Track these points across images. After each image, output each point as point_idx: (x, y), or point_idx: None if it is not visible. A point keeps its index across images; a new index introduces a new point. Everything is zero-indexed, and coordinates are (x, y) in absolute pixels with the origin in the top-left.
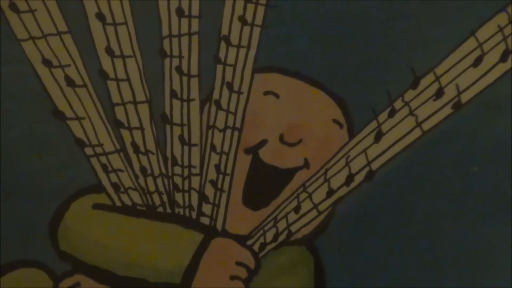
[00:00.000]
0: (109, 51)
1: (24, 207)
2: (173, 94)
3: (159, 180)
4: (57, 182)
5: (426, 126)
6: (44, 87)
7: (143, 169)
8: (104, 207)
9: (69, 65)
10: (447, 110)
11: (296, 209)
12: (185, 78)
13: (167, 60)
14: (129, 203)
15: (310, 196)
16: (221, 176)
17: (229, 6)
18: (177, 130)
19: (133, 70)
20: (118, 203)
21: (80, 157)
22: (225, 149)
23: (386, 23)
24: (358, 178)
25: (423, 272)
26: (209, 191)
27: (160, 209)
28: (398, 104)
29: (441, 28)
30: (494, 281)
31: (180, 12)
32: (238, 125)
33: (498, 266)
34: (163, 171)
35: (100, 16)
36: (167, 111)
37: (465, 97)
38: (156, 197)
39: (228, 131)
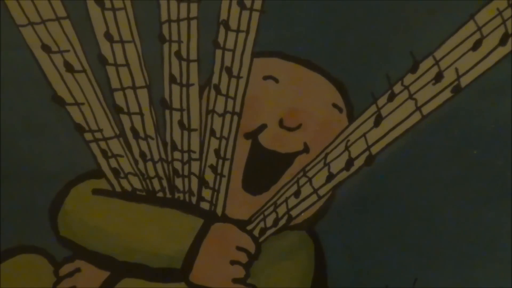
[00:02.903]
0: (108, 36)
1: (24, 192)
2: (172, 79)
3: (158, 165)
4: (57, 168)
5: (426, 110)
6: (43, 72)
7: (142, 154)
8: (104, 193)
9: (68, 51)
10: (447, 94)
11: (296, 194)
12: (184, 63)
13: (166, 45)
14: (129, 188)
15: (310, 180)
16: (220, 161)
17: None
18: (176, 115)
19: (132, 55)
20: (118, 189)
21: (79, 143)
22: (225, 134)
23: (385, 7)
24: (358, 163)
25: (423, 257)
26: (209, 176)
27: (160, 194)
28: (397, 88)
29: (440, 11)
30: (495, 266)
31: None
32: (237, 109)
33: (499, 250)
34: (163, 156)
35: (99, 1)
36: (167, 96)
37: (464, 81)
38: (156, 182)
39: (228, 116)
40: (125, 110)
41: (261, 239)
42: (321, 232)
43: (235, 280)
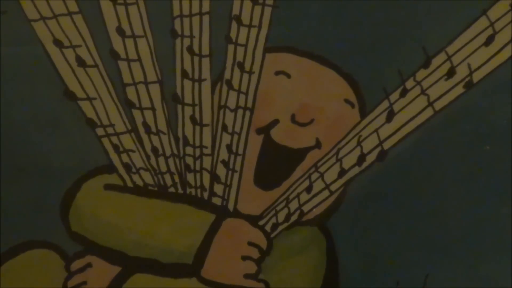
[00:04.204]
0: (120, 31)
1: (36, 188)
2: (184, 74)
3: (170, 161)
4: (68, 163)
5: (438, 105)
6: (55, 67)
7: (154, 150)
8: (116, 188)
9: (80, 46)
10: (459, 89)
11: (308, 189)
12: (196, 58)
13: (178, 40)
14: (140, 183)
15: (322, 176)
16: (232, 156)
17: None
18: (188, 110)
19: (144, 50)
20: (129, 184)
21: (91, 138)
22: (237, 129)
23: (398, 2)
24: (370, 158)
25: (434, 253)
26: (221, 171)
27: (172, 189)
28: (409, 83)
29: (452, 7)
30: (508, 262)
31: None
32: (249, 105)
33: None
34: (175, 151)
35: None
36: (179, 91)
37: (476, 77)
38: (167, 177)
39: (240, 111)
40: (137, 105)
41: (272, 235)
42: (333, 227)
43: (247, 276)
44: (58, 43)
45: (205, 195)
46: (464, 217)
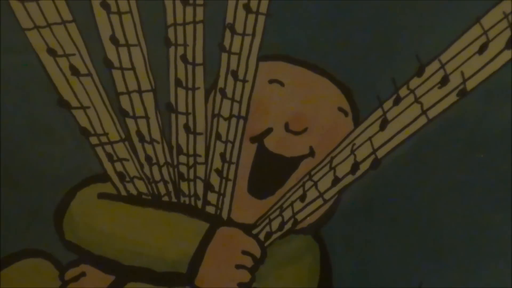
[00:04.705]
0: (113, 40)
1: (30, 196)
2: (178, 82)
3: (164, 169)
4: (63, 172)
5: (432, 113)
6: (49, 76)
7: (148, 158)
8: (110, 197)
9: (74, 54)
10: (453, 97)
11: (302, 198)
12: (190, 67)
13: (172, 49)
14: (134, 192)
15: (315, 184)
16: (226, 165)
17: None
18: (182, 119)
19: (138, 59)
20: (123, 193)
21: (85, 147)
22: (230, 137)
23: (391, 10)
24: (364, 166)
25: (428, 261)
26: (215, 180)
27: (166, 198)
28: (403, 91)
29: (446, 15)
30: (501, 269)
31: (184, 0)
32: (243, 113)
33: (505, 254)
34: (169, 160)
35: (104, 5)
36: (172, 100)
37: (470, 85)
38: (161, 186)
39: (233, 120)
40: (131, 114)
41: (266, 243)
42: (327, 236)
43: (241, 285)
44: (51, 51)
45: (199, 203)
46: (458, 225)
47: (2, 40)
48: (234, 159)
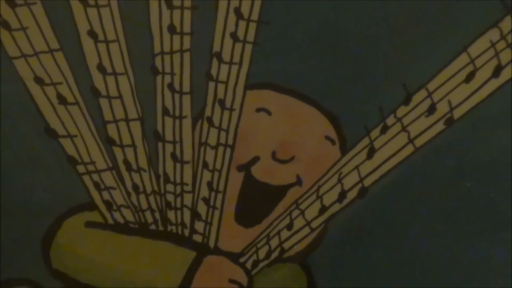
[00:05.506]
0: (101, 68)
1: (16, 225)
2: (165, 111)
3: (151, 198)
4: (49, 200)
5: (419, 142)
6: (36, 104)
7: (135, 187)
8: (97, 225)
9: (61, 83)
10: (440, 126)
11: (289, 226)
12: (177, 95)
13: (159, 77)
14: (121, 220)
15: (302, 213)
16: (213, 193)
17: (221, 22)
18: (169, 148)
19: (125, 87)
20: (110, 221)
21: (72, 175)
22: (218, 166)
23: (378, 39)
24: (351, 195)
25: None
26: (202, 208)
27: (153, 226)
28: (390, 120)
29: (433, 43)
30: None
31: (171, 29)
32: (230, 142)
33: (492, 282)
34: (156, 188)
35: (92, 33)
36: (159, 128)
37: (457, 113)
38: (148, 214)
39: (221, 148)
40: (118, 142)
41: (253, 272)
42: (314, 264)
43: None
44: (39, 80)
45: (186, 232)
46: (446, 253)
47: None
48: (221, 188)
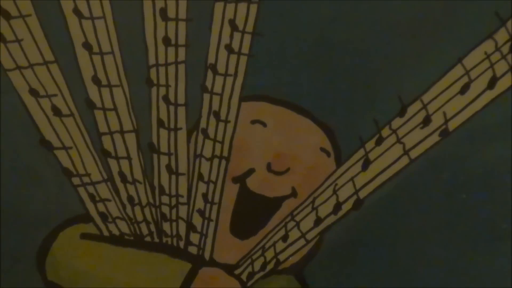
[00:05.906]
0: (96, 80)
1: (12, 237)
2: (160, 123)
3: (146, 210)
4: (45, 212)
5: (414, 154)
6: (31, 116)
7: (130, 199)
8: (92, 237)
9: (56, 95)
10: (435, 137)
11: (284, 238)
12: (172, 107)
13: (154, 89)
14: (116, 232)
15: (297, 224)
16: (208, 205)
17: (216, 34)
18: (164, 159)
19: (120, 99)
20: (105, 233)
21: (67, 187)
22: (213, 178)
23: (373, 51)
24: (346, 207)
25: None
26: (197, 220)
27: (148, 238)
28: (385, 132)
29: (428, 55)
30: None
31: (166, 41)
32: (225, 154)
33: None
34: (151, 200)
35: (86, 45)
36: (154, 140)
37: (452, 125)
38: (143, 226)
39: (216, 160)
40: (113, 154)
41: (249, 284)
42: (309, 276)
43: None
44: (34, 92)
45: (181, 244)
46: (440, 265)
47: None
48: (216, 200)
